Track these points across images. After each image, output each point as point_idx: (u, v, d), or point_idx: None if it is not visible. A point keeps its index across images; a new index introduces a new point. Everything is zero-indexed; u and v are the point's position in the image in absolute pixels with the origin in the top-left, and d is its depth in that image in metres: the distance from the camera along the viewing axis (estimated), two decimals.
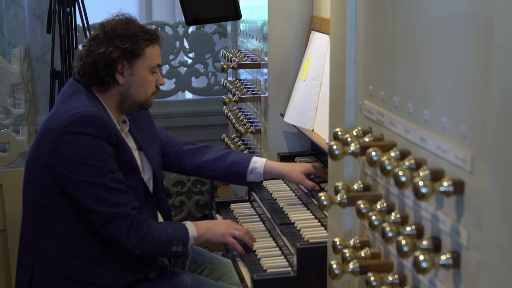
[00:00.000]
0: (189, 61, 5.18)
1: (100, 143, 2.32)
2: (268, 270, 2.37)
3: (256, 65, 3.35)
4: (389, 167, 1.30)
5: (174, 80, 5.14)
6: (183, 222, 2.52)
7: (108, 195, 2.33)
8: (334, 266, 1.48)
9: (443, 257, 1.23)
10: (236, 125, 3.36)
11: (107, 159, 2.34)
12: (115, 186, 2.34)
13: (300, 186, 2.82)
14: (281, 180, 2.98)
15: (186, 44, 5.14)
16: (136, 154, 2.54)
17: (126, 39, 2.41)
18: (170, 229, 2.45)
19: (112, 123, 2.39)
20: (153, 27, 2.54)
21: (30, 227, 2.46)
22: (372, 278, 1.42)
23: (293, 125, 2.95)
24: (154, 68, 2.49)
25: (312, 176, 2.76)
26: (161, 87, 2.48)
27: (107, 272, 2.42)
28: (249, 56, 3.48)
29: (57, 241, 2.40)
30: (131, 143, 2.55)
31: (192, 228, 2.49)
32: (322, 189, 2.69)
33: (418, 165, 1.33)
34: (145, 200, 2.51)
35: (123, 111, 2.52)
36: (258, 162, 2.72)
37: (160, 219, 2.63)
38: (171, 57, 5.10)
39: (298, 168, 2.70)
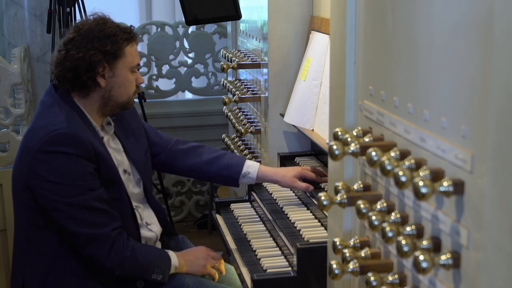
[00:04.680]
0: (189, 61, 5.18)
1: (77, 161, 2.27)
2: (268, 270, 2.37)
3: (256, 65, 3.35)
4: (389, 167, 1.30)
5: (174, 80, 5.13)
6: (166, 251, 2.50)
7: (88, 216, 2.30)
8: (334, 266, 1.48)
9: (443, 257, 1.23)
10: (236, 125, 3.36)
11: (86, 177, 2.29)
12: (95, 205, 2.30)
13: None
14: None
15: (186, 44, 5.14)
16: (123, 155, 2.52)
17: (106, 40, 2.36)
18: (154, 256, 2.43)
19: (89, 137, 2.32)
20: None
21: (18, 242, 2.46)
22: (372, 278, 1.42)
23: (293, 125, 2.95)
24: (134, 68, 2.45)
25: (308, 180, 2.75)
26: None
27: (95, 286, 2.41)
28: (249, 56, 3.48)
29: (43, 257, 2.39)
30: (117, 145, 2.52)
31: (174, 257, 2.48)
32: (318, 189, 2.69)
33: (418, 165, 1.33)
34: (130, 209, 2.48)
35: (106, 114, 2.47)
36: (251, 167, 2.68)
37: (155, 221, 2.62)
38: (171, 57, 5.10)
39: (290, 172, 2.67)
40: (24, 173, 2.32)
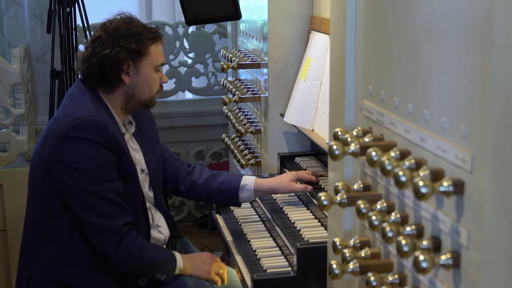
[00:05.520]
0: (189, 61, 5.18)
1: (99, 150, 2.30)
2: (268, 270, 2.37)
3: (256, 65, 3.35)
4: (389, 167, 1.30)
5: (174, 80, 5.13)
6: (173, 252, 2.52)
7: (101, 206, 2.31)
8: (334, 266, 1.48)
9: (443, 257, 1.23)
10: (236, 125, 3.36)
11: (105, 167, 2.32)
12: (110, 197, 2.32)
13: None
14: None
15: (186, 44, 5.14)
16: (141, 156, 2.55)
17: (131, 38, 2.41)
18: (160, 255, 2.44)
19: (114, 129, 2.37)
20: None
21: (30, 230, 2.47)
22: (372, 278, 1.42)
23: (293, 125, 2.95)
24: (158, 67, 2.49)
25: (302, 181, 2.75)
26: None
27: (101, 279, 2.42)
28: (249, 56, 3.48)
29: (54, 245, 2.40)
30: (135, 145, 2.55)
31: (180, 259, 2.49)
32: (318, 189, 2.69)
33: (418, 165, 1.33)
34: (143, 207, 2.51)
35: (129, 111, 2.52)
36: (248, 179, 2.71)
37: (164, 225, 2.64)
38: (171, 57, 5.10)
39: (285, 178, 2.69)
40: (45, 157, 2.34)
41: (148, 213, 2.53)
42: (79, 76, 2.50)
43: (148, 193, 2.57)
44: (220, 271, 2.57)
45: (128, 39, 2.40)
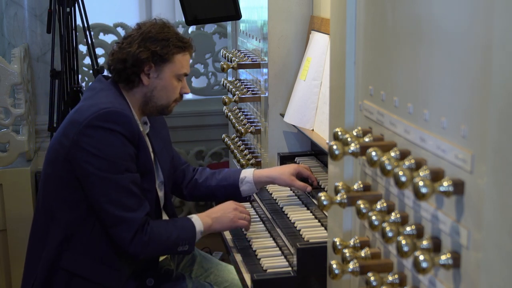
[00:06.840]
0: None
1: (122, 141, 2.34)
2: (268, 270, 2.37)
3: (256, 65, 3.35)
4: (389, 167, 1.30)
5: None
6: (190, 217, 2.52)
7: (121, 196, 2.34)
8: (334, 266, 1.48)
9: (443, 257, 1.23)
10: (236, 125, 3.36)
11: (126, 157, 2.36)
12: (130, 188, 2.35)
13: None
14: None
15: None
16: (152, 157, 2.56)
17: (158, 42, 2.47)
18: (176, 230, 2.45)
19: (136, 122, 2.42)
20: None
21: (42, 215, 2.48)
22: (372, 278, 1.42)
23: (293, 125, 2.95)
24: (180, 76, 2.54)
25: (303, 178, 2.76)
26: None
27: (109, 273, 2.43)
28: (249, 56, 3.48)
29: (62, 232, 2.42)
30: (148, 145, 2.57)
31: (199, 223, 2.49)
32: (318, 189, 2.69)
33: (418, 165, 1.33)
34: (156, 204, 2.53)
35: (145, 113, 2.57)
36: (247, 172, 2.75)
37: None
38: None
39: (287, 170, 2.70)
40: (67, 145, 2.37)
41: (160, 211, 2.57)
42: (105, 71, 2.57)
43: (159, 193, 2.58)
44: (244, 216, 2.57)
45: (154, 42, 2.47)
